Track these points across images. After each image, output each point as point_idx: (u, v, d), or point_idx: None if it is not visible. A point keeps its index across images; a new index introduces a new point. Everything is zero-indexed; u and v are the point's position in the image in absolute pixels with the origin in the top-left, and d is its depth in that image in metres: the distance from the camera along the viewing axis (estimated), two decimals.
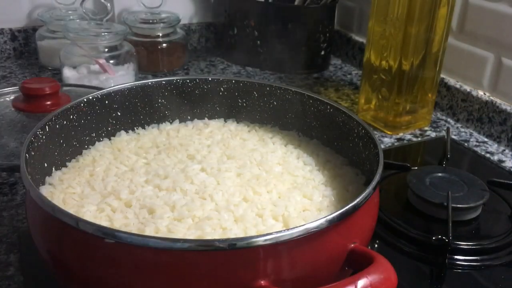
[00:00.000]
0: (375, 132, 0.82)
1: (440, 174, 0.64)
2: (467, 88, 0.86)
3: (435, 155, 0.73)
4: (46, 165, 0.49)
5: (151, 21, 1.01)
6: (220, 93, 0.61)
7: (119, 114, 0.57)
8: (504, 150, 0.79)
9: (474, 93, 0.85)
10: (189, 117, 0.62)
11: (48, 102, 0.69)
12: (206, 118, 0.62)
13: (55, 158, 0.50)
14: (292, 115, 0.60)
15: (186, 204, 0.44)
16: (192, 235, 0.41)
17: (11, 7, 1.02)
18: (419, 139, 0.82)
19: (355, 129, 0.52)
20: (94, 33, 0.87)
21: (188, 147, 0.55)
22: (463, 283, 0.53)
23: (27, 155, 0.43)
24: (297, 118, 0.60)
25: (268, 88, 0.60)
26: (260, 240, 0.34)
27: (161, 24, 1.00)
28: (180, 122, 0.62)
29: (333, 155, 0.56)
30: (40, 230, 0.40)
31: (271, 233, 0.34)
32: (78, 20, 0.97)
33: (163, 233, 0.41)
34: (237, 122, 0.62)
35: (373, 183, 0.41)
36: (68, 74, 0.88)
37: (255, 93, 0.61)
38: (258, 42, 1.05)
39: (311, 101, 0.57)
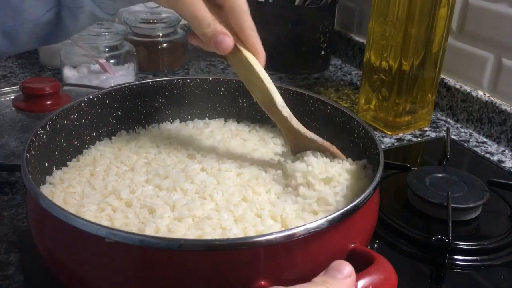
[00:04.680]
0: (375, 133, 0.82)
1: (440, 174, 0.64)
2: (467, 88, 0.86)
3: (435, 155, 0.73)
4: (46, 164, 0.49)
5: (151, 21, 1.01)
6: (221, 93, 0.61)
7: (119, 113, 0.58)
8: (504, 151, 0.80)
9: (474, 93, 0.85)
10: (189, 117, 0.62)
11: (49, 102, 0.69)
12: (206, 118, 0.62)
13: (56, 158, 0.50)
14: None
15: (186, 204, 0.44)
16: (192, 234, 0.41)
17: None
18: (419, 139, 0.82)
19: (355, 129, 0.52)
20: (94, 33, 0.87)
21: (188, 146, 0.56)
22: (463, 283, 0.53)
23: (27, 154, 0.43)
24: (297, 118, 0.59)
25: None
26: (260, 240, 0.34)
27: (162, 24, 1.01)
28: (180, 121, 0.62)
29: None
30: (41, 230, 0.40)
31: (271, 233, 0.34)
32: None
33: (163, 232, 0.41)
34: (238, 122, 0.62)
35: (373, 183, 0.41)
36: (69, 73, 0.88)
37: None
38: None
39: (311, 101, 0.57)
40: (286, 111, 0.50)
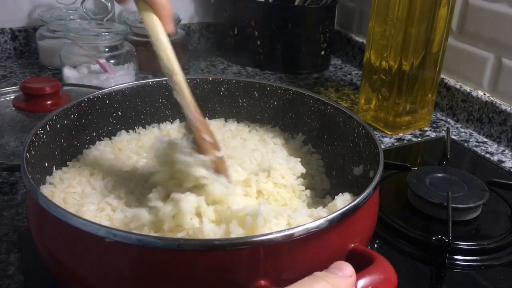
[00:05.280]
0: (375, 132, 0.82)
1: (440, 174, 0.64)
2: (467, 88, 0.86)
3: (435, 155, 0.73)
4: (46, 164, 0.49)
5: None
6: (221, 93, 0.61)
7: (119, 113, 0.58)
8: (504, 151, 0.80)
9: (474, 93, 0.85)
10: None
11: (49, 102, 0.69)
12: (206, 118, 0.62)
13: (56, 158, 0.50)
14: (293, 115, 0.60)
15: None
16: None
17: (12, 7, 1.02)
18: (419, 139, 0.82)
19: (355, 129, 0.52)
20: (94, 33, 0.87)
21: None
22: (463, 283, 0.53)
23: (27, 154, 0.43)
24: (298, 118, 0.60)
25: (268, 88, 0.60)
26: (260, 240, 0.34)
27: None
28: (180, 121, 0.62)
29: (333, 155, 0.56)
30: (40, 230, 0.40)
31: (271, 233, 0.34)
32: (78, 20, 0.97)
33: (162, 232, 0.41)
34: (238, 122, 0.62)
35: (373, 183, 0.41)
36: (69, 73, 0.88)
37: (255, 93, 0.61)
38: (258, 42, 1.05)
39: (311, 101, 0.57)
40: (175, 78, 0.44)
